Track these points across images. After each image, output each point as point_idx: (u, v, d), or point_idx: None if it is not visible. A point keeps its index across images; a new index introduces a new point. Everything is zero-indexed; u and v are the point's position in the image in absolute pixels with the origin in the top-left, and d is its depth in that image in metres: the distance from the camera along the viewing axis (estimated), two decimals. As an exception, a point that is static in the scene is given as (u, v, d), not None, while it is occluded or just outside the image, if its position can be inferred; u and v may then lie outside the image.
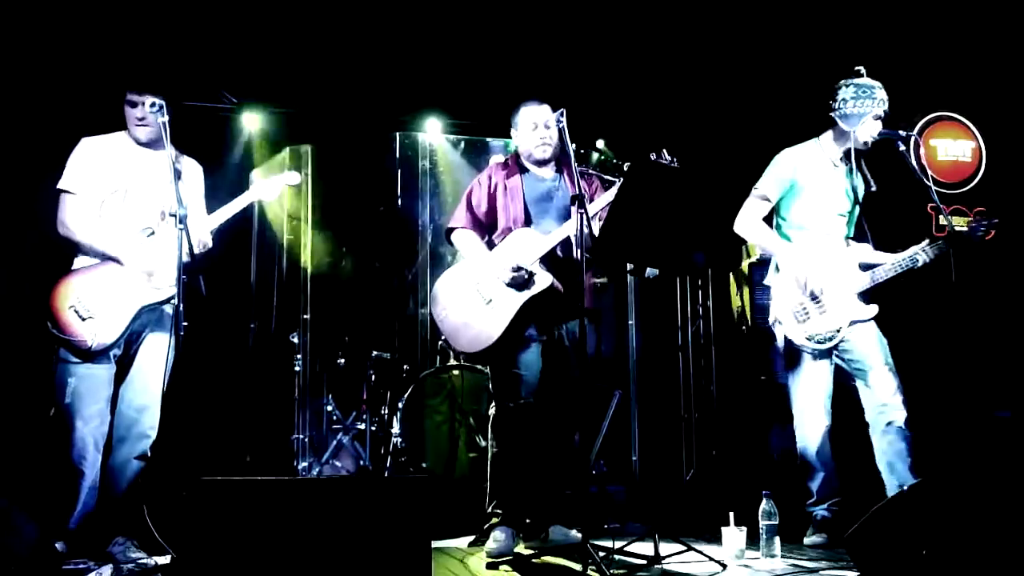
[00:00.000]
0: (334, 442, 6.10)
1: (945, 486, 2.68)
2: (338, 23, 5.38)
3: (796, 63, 5.63)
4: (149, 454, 3.56)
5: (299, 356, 6.37)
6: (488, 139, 7.00)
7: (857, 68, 4.00)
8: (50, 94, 4.70)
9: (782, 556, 3.52)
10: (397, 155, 7.15)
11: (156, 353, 3.58)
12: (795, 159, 4.06)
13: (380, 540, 2.60)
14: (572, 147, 3.56)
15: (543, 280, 3.75)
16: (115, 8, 4.85)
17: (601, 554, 3.19)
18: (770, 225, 4.12)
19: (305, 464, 6.20)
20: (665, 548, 3.44)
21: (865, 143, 3.98)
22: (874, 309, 3.94)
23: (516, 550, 3.69)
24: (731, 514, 3.61)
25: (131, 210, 3.63)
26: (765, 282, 4.15)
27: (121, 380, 3.61)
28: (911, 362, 4.03)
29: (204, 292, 3.38)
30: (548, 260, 3.80)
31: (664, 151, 3.37)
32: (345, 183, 6.87)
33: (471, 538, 3.99)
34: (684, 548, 3.49)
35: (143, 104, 3.59)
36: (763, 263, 4.50)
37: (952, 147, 6.07)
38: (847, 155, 4.04)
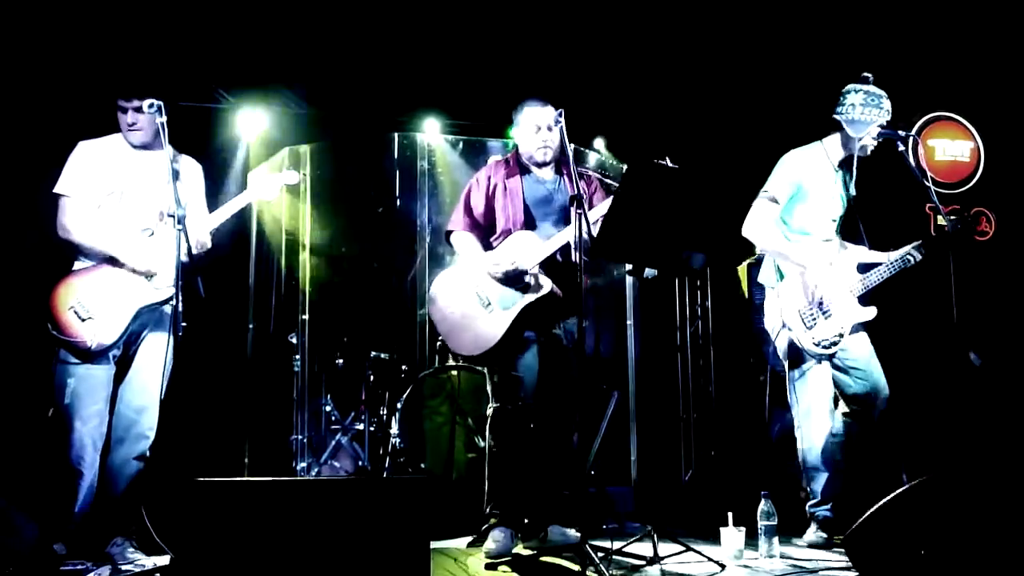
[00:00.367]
0: (333, 443, 6.09)
1: (943, 486, 2.68)
2: (336, 23, 5.38)
3: (794, 63, 5.63)
4: (148, 455, 3.56)
5: (298, 357, 6.38)
6: (487, 139, 7.00)
7: (865, 75, 3.98)
8: (49, 96, 4.71)
9: (781, 556, 3.52)
10: (395, 156, 7.15)
11: (155, 354, 3.58)
12: (802, 161, 4.05)
13: (379, 541, 2.60)
14: (572, 148, 3.56)
15: (544, 286, 3.76)
16: (114, 10, 4.85)
17: (600, 554, 3.19)
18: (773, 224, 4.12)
19: (304, 465, 6.20)
20: (664, 548, 3.44)
21: (863, 148, 3.97)
22: (873, 311, 3.95)
23: (515, 550, 3.69)
24: (730, 514, 3.61)
25: (129, 212, 3.63)
26: (759, 280, 4.15)
27: (120, 381, 3.61)
28: (911, 363, 4.03)
29: (202, 293, 3.38)
30: (546, 263, 3.79)
31: (667, 159, 3.37)
32: (343, 184, 6.87)
33: (470, 538, 3.99)
34: (683, 548, 3.50)
35: (133, 110, 3.60)
36: (760, 263, 4.50)
37: (950, 147, 6.07)
38: (846, 160, 4.05)
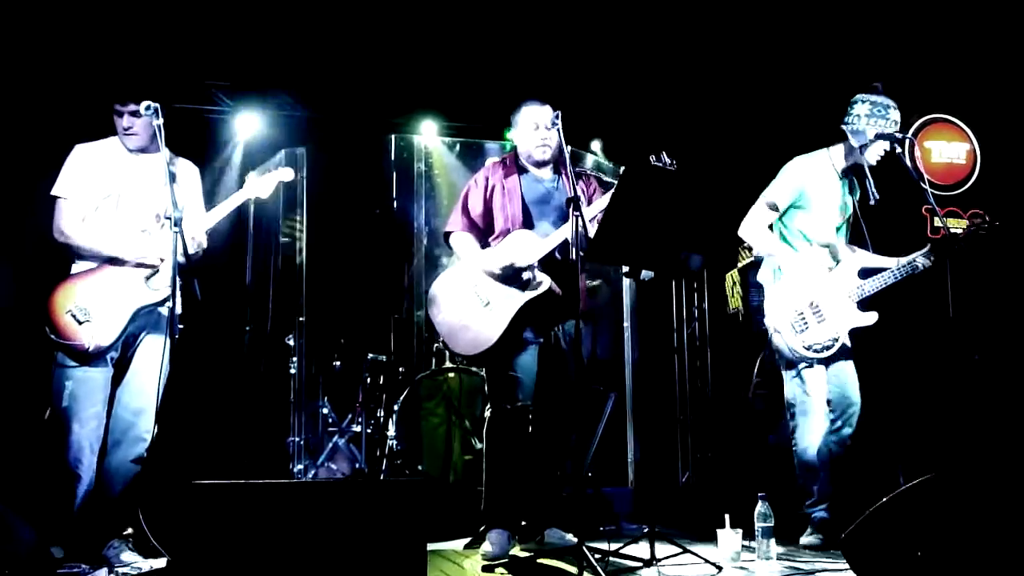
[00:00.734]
0: (330, 445, 6.09)
1: (941, 488, 2.68)
2: (333, 25, 5.39)
3: (791, 65, 5.64)
4: (145, 457, 3.55)
5: (294, 358, 6.37)
6: (484, 141, 7.00)
7: (875, 84, 3.98)
8: (46, 100, 4.71)
9: (778, 558, 3.52)
10: (392, 157, 7.15)
11: (152, 356, 3.58)
12: (806, 169, 4.06)
13: (376, 543, 2.60)
14: (568, 149, 3.56)
15: (543, 283, 3.76)
16: (111, 13, 4.85)
17: (597, 556, 3.19)
18: (769, 228, 4.13)
19: (300, 467, 6.19)
20: (661, 550, 3.43)
21: (868, 158, 3.97)
22: (873, 316, 3.94)
23: (512, 552, 3.69)
24: (727, 516, 3.61)
25: (126, 214, 3.63)
26: (758, 279, 4.16)
27: (117, 383, 3.60)
28: (908, 363, 4.04)
29: (199, 296, 3.37)
30: (545, 262, 3.79)
31: (664, 153, 3.37)
32: (340, 185, 6.87)
33: (467, 540, 3.99)
34: (680, 550, 3.49)
35: (129, 114, 3.60)
36: (756, 265, 4.51)
37: (947, 149, 6.08)
38: (850, 169, 4.05)
